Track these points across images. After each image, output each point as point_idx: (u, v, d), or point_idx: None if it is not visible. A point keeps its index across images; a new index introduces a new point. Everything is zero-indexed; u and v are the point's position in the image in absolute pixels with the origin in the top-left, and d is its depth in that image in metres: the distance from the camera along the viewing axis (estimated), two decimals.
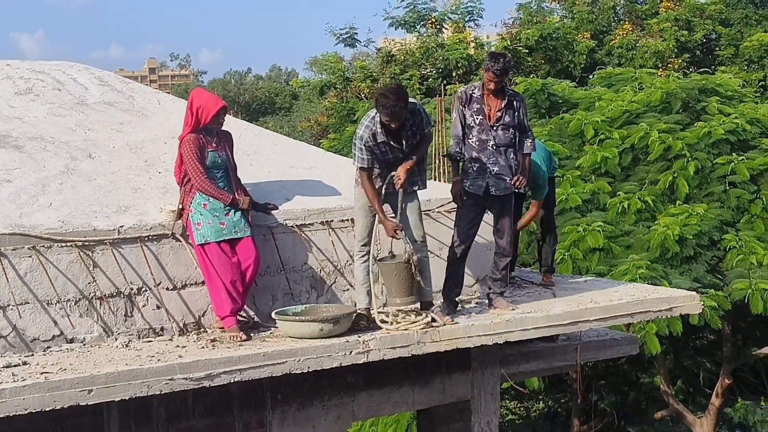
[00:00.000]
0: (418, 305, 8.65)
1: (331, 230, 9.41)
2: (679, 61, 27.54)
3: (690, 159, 16.61)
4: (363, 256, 8.82)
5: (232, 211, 8.55)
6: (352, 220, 9.39)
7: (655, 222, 15.73)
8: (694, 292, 10.47)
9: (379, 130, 8.61)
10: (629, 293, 10.07)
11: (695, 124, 17.55)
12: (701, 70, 23.06)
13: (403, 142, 8.70)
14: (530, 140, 9.35)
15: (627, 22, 30.25)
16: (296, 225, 9.21)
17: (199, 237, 8.47)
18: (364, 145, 8.63)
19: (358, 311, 8.69)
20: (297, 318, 8.30)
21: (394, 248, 8.71)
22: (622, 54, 28.49)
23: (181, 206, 8.63)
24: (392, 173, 8.70)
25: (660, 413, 20.58)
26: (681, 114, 18.19)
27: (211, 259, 8.45)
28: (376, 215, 8.75)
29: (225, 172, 8.75)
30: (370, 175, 8.70)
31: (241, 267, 8.50)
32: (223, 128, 8.87)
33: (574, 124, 18.04)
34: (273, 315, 8.42)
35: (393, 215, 8.79)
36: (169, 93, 15.43)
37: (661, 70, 25.50)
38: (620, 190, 16.60)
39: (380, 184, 8.78)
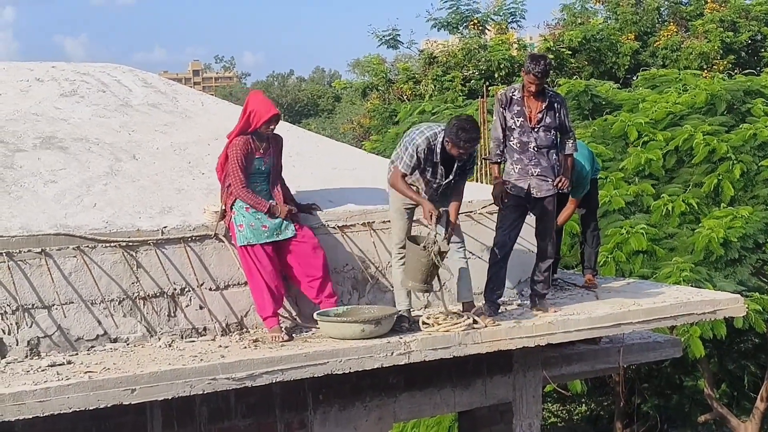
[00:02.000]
0: (433, 297, 8.75)
1: (372, 231, 9.42)
2: (724, 62, 27.29)
3: (735, 162, 16.47)
4: (401, 258, 8.82)
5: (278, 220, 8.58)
6: None
7: (700, 225, 15.61)
8: (738, 295, 10.39)
9: (438, 150, 8.59)
10: (673, 296, 10.01)
11: (740, 126, 17.39)
12: (746, 71, 22.83)
13: (449, 173, 8.71)
14: (572, 141, 9.31)
15: (671, 24, 30.01)
16: (338, 226, 9.23)
17: (241, 239, 8.51)
18: (417, 154, 8.60)
19: (400, 313, 8.70)
20: (339, 319, 8.30)
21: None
22: (666, 55, 28.28)
23: (223, 207, 8.67)
24: (443, 209, 8.66)
25: (704, 417, 20.41)
26: (726, 116, 18.04)
27: (253, 261, 8.49)
28: (411, 216, 8.80)
29: (267, 177, 8.78)
30: (404, 178, 8.69)
31: (299, 267, 8.61)
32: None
33: (618, 125, 17.94)
34: (315, 316, 8.44)
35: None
36: (213, 95, 15.52)
37: (705, 71, 25.29)
38: (664, 193, 16.48)
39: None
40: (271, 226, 8.54)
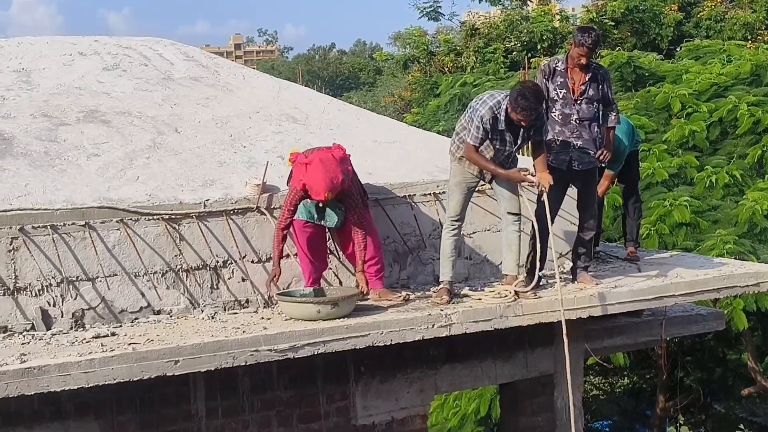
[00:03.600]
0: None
1: (413, 204, 9.42)
2: None
3: None
4: (453, 230, 8.81)
5: (328, 208, 8.60)
6: (434, 194, 9.41)
7: (743, 197, 15.47)
8: None
9: (502, 118, 8.55)
10: (716, 268, 9.94)
11: None
12: None
13: (518, 140, 8.67)
14: (614, 113, 9.26)
15: None
16: (378, 199, 9.23)
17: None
18: (482, 125, 8.55)
19: (441, 283, 8.72)
20: (294, 299, 8.17)
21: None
22: (710, 26, 27.99)
23: (265, 180, 8.71)
24: (530, 171, 8.66)
25: (747, 390, 20.26)
26: None
27: (298, 234, 8.57)
28: (470, 193, 8.83)
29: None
30: (477, 150, 8.64)
31: (349, 250, 8.70)
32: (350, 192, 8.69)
33: (661, 97, 17.79)
34: (275, 295, 8.39)
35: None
36: (254, 68, 15.55)
37: (750, 42, 25.01)
38: (708, 164, 16.35)
39: (477, 173, 8.79)
40: (322, 214, 8.60)
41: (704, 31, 27.93)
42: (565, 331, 8.37)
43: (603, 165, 9.46)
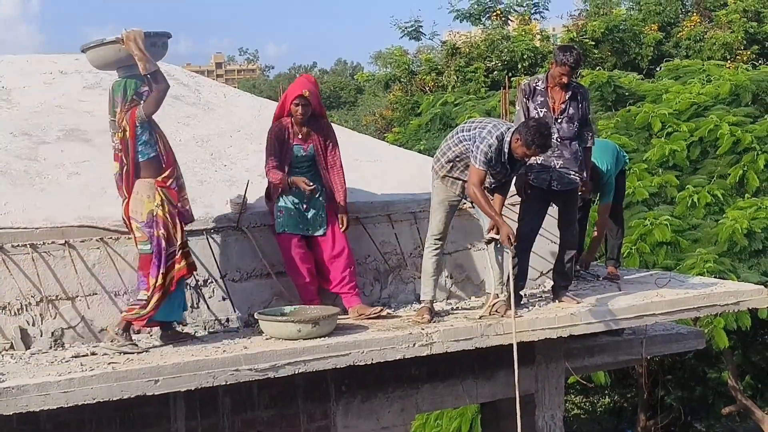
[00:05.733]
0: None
1: (393, 223, 9.42)
2: (748, 53, 27.11)
3: (760, 152, 16.37)
4: (436, 249, 8.82)
5: (311, 206, 8.59)
6: (415, 213, 9.42)
7: (724, 216, 15.54)
8: (762, 287, 10.33)
9: (506, 150, 8.54)
10: (696, 287, 9.97)
11: (765, 117, 17.29)
12: None
13: (512, 172, 8.76)
14: (591, 134, 9.30)
15: (695, 14, 29.85)
16: (359, 217, 9.23)
17: (278, 225, 8.63)
18: (490, 152, 8.48)
19: (423, 302, 8.72)
20: (274, 318, 8.13)
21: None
22: (689, 46, 28.13)
23: (246, 198, 8.69)
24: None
25: (727, 409, 20.33)
26: (750, 107, 17.94)
27: (287, 249, 8.60)
28: (453, 211, 8.86)
29: (311, 165, 8.76)
30: (483, 180, 8.58)
31: (325, 263, 8.68)
32: (323, 119, 8.82)
33: (641, 116, 17.85)
34: (256, 315, 8.33)
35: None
36: (235, 87, 15.55)
37: (729, 62, 25.15)
38: (688, 184, 16.41)
39: (459, 192, 8.82)
40: (306, 221, 8.59)
41: (684, 50, 28.08)
42: (516, 358, 8.36)
43: (591, 200, 9.49)
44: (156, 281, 7.71)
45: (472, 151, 8.56)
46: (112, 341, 7.72)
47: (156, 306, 7.72)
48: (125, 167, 7.86)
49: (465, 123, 8.95)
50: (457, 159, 8.74)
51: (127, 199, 7.89)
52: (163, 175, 7.87)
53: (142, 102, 7.91)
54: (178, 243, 7.79)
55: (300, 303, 8.57)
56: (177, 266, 7.79)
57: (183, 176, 8.13)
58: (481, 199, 8.53)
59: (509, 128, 8.57)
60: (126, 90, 7.94)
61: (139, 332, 8.14)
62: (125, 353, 7.59)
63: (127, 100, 7.91)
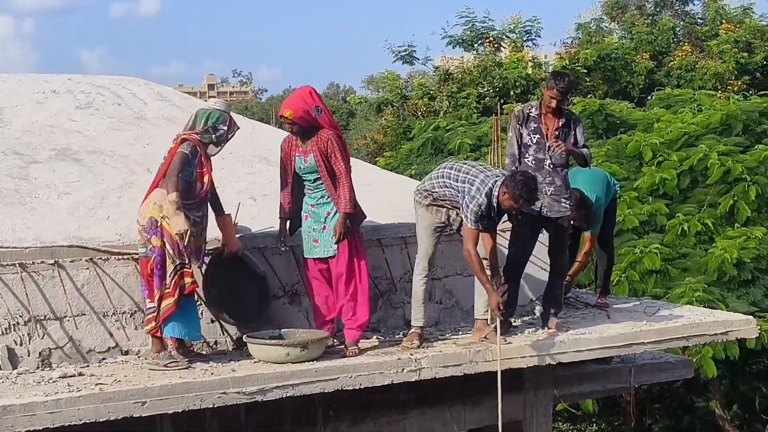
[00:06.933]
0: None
1: (384, 248, 9.42)
2: (739, 83, 27.29)
3: (750, 183, 16.42)
4: (425, 274, 8.82)
5: (329, 226, 8.55)
6: (405, 238, 9.41)
7: (713, 245, 15.57)
8: (751, 317, 10.35)
9: (494, 204, 8.56)
10: (685, 316, 9.97)
11: (755, 147, 17.36)
12: (761, 92, 22.81)
13: (498, 220, 8.84)
14: (589, 153, 9.35)
15: (686, 44, 30.03)
16: None
17: (302, 250, 8.69)
18: (480, 210, 8.48)
19: (413, 328, 8.71)
20: (263, 341, 8.11)
21: None
22: (681, 75, 28.29)
23: (236, 221, 8.69)
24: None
25: None
26: (741, 137, 18.01)
27: (303, 272, 8.72)
28: (440, 235, 8.87)
29: (318, 177, 8.60)
30: (477, 239, 8.57)
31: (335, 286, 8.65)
32: (323, 130, 8.61)
33: (632, 145, 17.92)
34: (244, 338, 8.29)
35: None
36: None
37: (720, 92, 25.29)
38: (678, 212, 16.45)
39: (444, 219, 8.83)
40: (321, 242, 8.58)
41: (675, 80, 28.22)
42: (500, 386, 8.40)
43: (582, 228, 9.50)
44: (162, 291, 7.76)
45: (462, 209, 8.57)
46: (153, 359, 7.86)
47: (168, 310, 7.78)
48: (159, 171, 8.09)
49: (453, 166, 8.86)
50: (441, 198, 8.77)
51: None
52: (186, 201, 7.90)
53: (212, 139, 8.20)
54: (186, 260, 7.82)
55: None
56: (188, 279, 7.83)
57: (205, 229, 8.23)
58: (476, 265, 8.52)
59: (496, 181, 8.54)
60: (207, 119, 8.18)
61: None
62: (168, 368, 7.74)
63: (198, 127, 8.15)
